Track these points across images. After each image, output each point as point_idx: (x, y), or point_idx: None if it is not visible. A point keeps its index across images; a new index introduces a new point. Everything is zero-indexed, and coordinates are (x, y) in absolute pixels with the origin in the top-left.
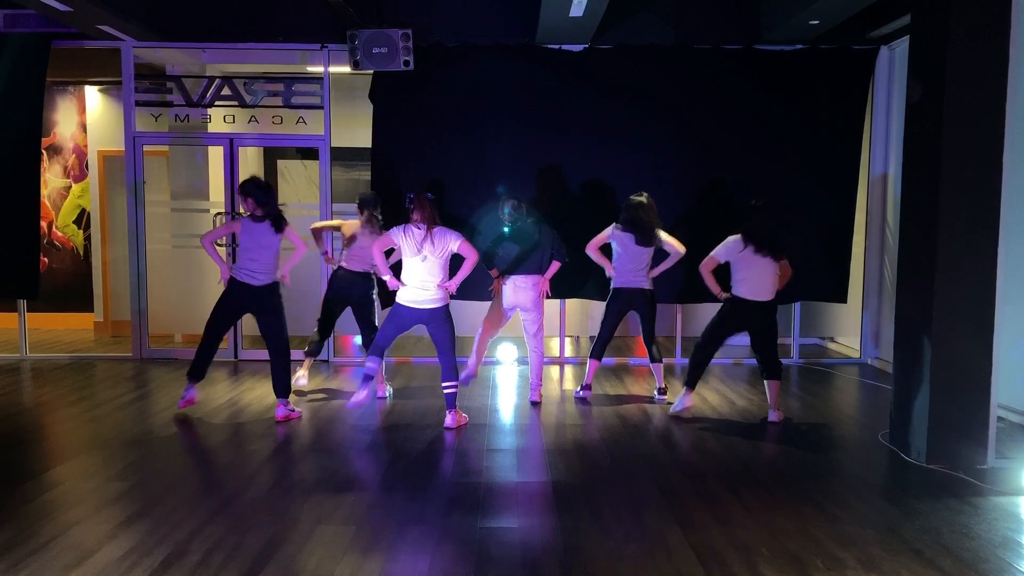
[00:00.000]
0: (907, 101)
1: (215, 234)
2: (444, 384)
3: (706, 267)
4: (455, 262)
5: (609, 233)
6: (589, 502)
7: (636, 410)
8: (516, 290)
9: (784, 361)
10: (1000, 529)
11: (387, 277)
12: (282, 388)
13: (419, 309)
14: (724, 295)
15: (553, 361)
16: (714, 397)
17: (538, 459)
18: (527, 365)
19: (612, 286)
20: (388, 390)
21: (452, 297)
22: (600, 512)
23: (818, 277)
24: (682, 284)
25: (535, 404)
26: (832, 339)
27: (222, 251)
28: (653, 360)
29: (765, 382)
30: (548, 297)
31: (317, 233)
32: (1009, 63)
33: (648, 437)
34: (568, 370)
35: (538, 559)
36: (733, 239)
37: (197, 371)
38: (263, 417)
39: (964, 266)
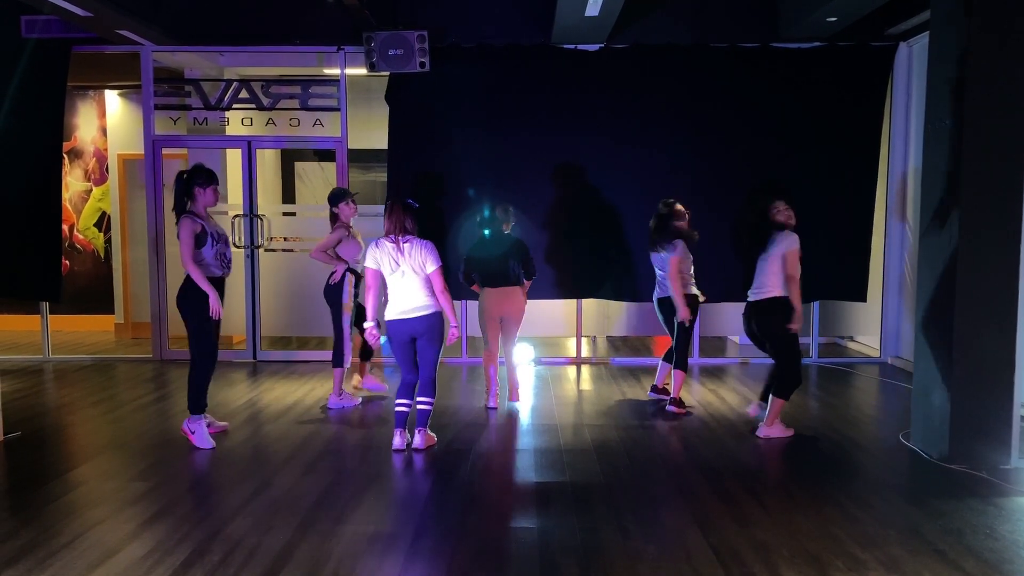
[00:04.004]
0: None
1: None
2: (419, 399)
3: (797, 277)
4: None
5: None
6: (608, 502)
7: (654, 410)
8: (499, 300)
9: (803, 360)
10: None
11: (369, 325)
12: (190, 402)
13: (410, 319)
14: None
15: (570, 361)
16: (732, 397)
17: (556, 459)
18: (543, 365)
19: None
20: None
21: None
22: (619, 512)
23: (837, 275)
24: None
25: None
26: (851, 338)
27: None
28: (666, 360)
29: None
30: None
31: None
32: None
33: (666, 437)
34: (585, 370)
35: (557, 559)
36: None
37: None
38: (282, 418)
39: (985, 264)
